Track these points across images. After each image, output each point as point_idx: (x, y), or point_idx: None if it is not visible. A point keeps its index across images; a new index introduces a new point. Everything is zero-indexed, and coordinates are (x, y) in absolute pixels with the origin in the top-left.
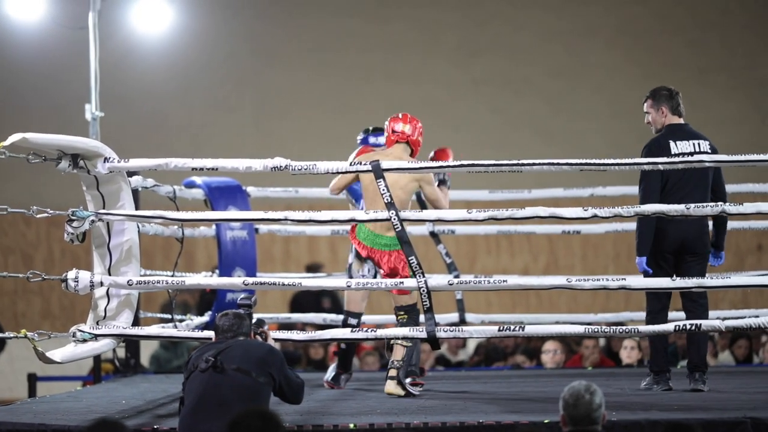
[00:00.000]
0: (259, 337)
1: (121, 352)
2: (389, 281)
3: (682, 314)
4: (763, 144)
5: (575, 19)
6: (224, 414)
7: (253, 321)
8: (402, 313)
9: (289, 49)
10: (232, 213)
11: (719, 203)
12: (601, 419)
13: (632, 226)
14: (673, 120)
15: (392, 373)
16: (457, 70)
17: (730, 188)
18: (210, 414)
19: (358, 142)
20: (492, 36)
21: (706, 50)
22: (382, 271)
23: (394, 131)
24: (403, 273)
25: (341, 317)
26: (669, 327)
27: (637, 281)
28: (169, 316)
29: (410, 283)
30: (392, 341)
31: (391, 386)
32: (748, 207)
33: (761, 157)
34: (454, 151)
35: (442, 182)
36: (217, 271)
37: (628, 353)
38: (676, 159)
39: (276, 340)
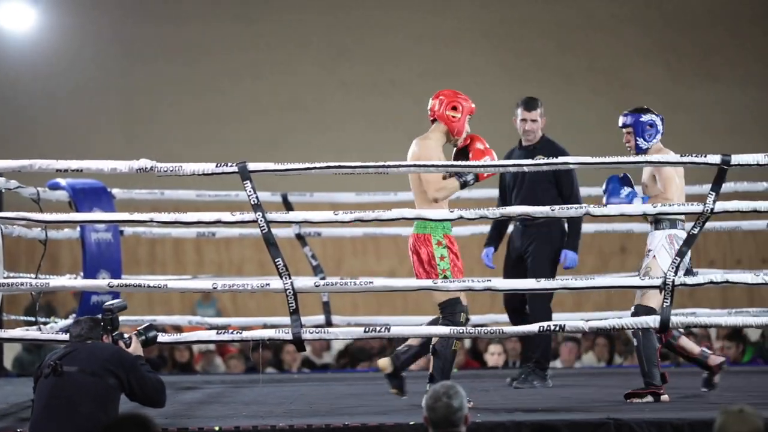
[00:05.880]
0: (122, 343)
1: None
2: (253, 282)
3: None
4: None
5: (443, 21)
6: (72, 416)
7: (141, 328)
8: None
9: (155, 50)
10: (97, 215)
11: (584, 205)
12: (462, 421)
13: None
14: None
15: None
16: (324, 71)
17: (594, 191)
18: (58, 417)
19: None
20: (360, 38)
21: (571, 54)
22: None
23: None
24: (428, 258)
25: (207, 318)
26: (533, 328)
27: (502, 283)
28: (33, 319)
29: (276, 284)
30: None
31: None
32: (612, 209)
33: (625, 159)
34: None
35: (458, 175)
36: (81, 273)
37: (495, 359)
38: (541, 161)
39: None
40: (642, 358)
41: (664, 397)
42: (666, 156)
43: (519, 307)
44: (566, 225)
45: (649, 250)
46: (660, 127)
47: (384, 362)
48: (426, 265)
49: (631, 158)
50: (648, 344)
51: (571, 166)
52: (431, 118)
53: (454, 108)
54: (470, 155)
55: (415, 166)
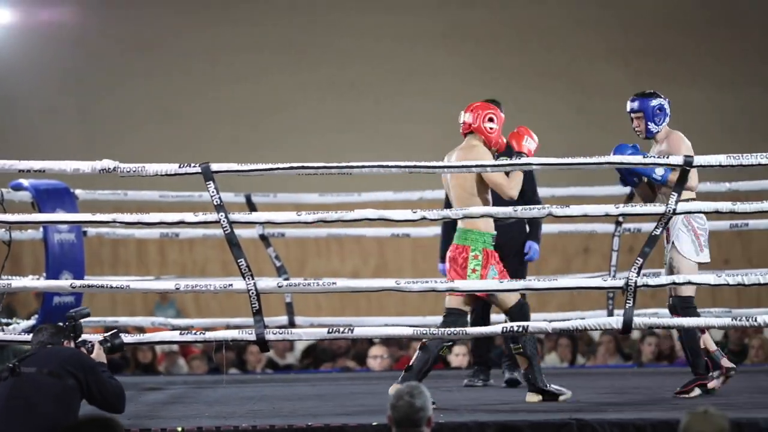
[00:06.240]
0: (84, 350)
1: None
2: (217, 283)
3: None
4: (587, 147)
5: (401, 22)
6: (31, 417)
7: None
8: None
9: (114, 50)
10: (60, 215)
11: (546, 205)
12: (424, 421)
13: None
14: None
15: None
16: (283, 72)
17: (557, 191)
18: (17, 418)
19: None
20: (319, 40)
21: (529, 55)
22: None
23: (461, 123)
24: (459, 269)
25: (171, 319)
26: (496, 329)
27: (465, 284)
28: None
29: (239, 285)
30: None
31: (529, 397)
32: (575, 209)
33: (587, 160)
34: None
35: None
36: (44, 274)
37: (459, 360)
38: (505, 162)
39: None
40: (686, 350)
41: (713, 383)
42: (633, 158)
43: (481, 311)
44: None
45: (671, 241)
46: (668, 110)
47: (531, 397)
48: (459, 269)
49: (593, 159)
50: (691, 334)
51: (534, 167)
52: (465, 132)
53: (491, 119)
54: (511, 141)
55: (377, 167)
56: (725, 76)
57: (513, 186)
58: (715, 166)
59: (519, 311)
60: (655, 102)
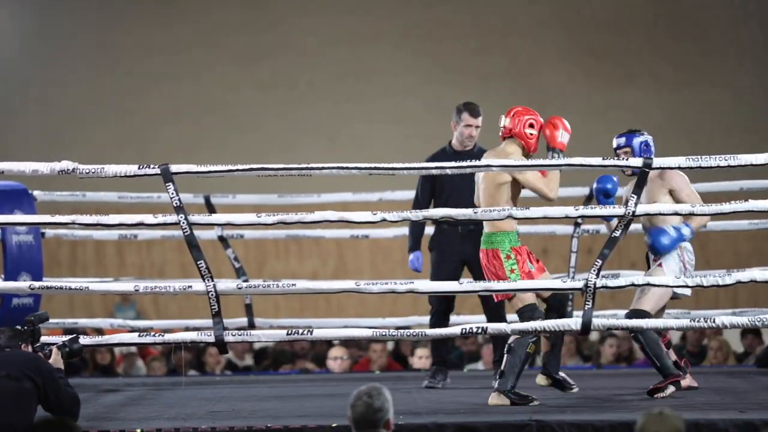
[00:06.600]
0: (42, 355)
1: None
2: (176, 284)
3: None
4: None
5: (360, 23)
6: None
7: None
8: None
9: (74, 51)
10: (18, 217)
11: (506, 207)
12: (383, 423)
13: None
14: None
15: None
16: (242, 73)
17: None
18: None
19: None
20: (277, 39)
21: (489, 56)
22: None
23: (501, 127)
24: (499, 273)
25: (129, 321)
26: (456, 330)
27: (425, 285)
28: None
29: (198, 286)
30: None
31: (492, 398)
32: (535, 211)
33: (547, 162)
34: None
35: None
36: (2, 275)
37: (423, 362)
38: (464, 163)
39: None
40: (650, 356)
41: (685, 382)
42: (593, 160)
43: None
44: None
45: (658, 262)
46: (652, 147)
47: (540, 379)
48: (497, 274)
49: (555, 161)
50: (650, 341)
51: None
52: (505, 136)
53: (531, 125)
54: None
55: (336, 168)
56: (682, 76)
57: (552, 188)
58: (674, 168)
59: (530, 314)
60: (641, 138)
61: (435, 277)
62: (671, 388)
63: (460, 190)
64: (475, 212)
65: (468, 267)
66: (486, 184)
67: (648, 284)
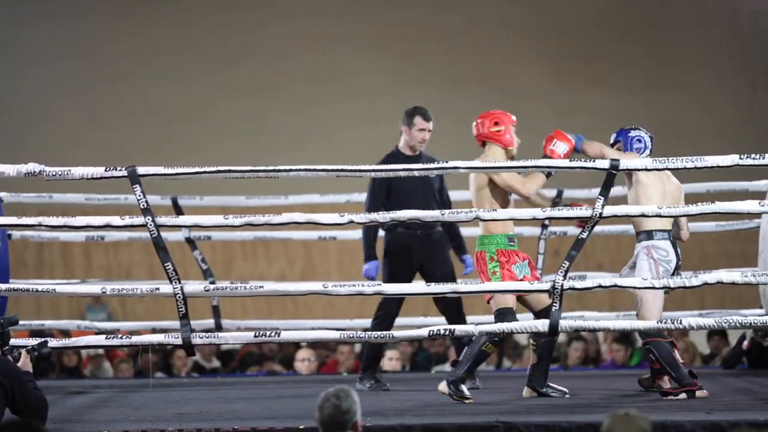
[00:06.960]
0: (10, 358)
1: None
2: (143, 286)
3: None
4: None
5: (331, 25)
6: None
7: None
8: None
9: (43, 52)
10: None
11: (473, 209)
12: (350, 425)
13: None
14: None
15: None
16: (212, 76)
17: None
18: None
19: None
20: (247, 42)
21: (458, 58)
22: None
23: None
24: (484, 274)
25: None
26: (423, 332)
27: (392, 287)
28: None
29: (166, 288)
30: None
31: (441, 384)
32: (502, 213)
33: (518, 163)
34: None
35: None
36: None
37: (393, 364)
38: (430, 165)
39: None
40: (664, 366)
41: (701, 393)
42: (559, 161)
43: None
44: (448, 234)
45: (634, 264)
46: (649, 144)
47: (526, 392)
48: (484, 276)
49: (520, 162)
50: (663, 353)
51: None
52: (481, 142)
53: (496, 123)
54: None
55: (303, 170)
56: (651, 79)
57: (528, 186)
58: (641, 170)
59: (501, 317)
60: (633, 133)
61: (390, 280)
62: (683, 396)
63: (409, 195)
64: (442, 214)
65: (421, 271)
66: (471, 189)
67: (615, 285)
